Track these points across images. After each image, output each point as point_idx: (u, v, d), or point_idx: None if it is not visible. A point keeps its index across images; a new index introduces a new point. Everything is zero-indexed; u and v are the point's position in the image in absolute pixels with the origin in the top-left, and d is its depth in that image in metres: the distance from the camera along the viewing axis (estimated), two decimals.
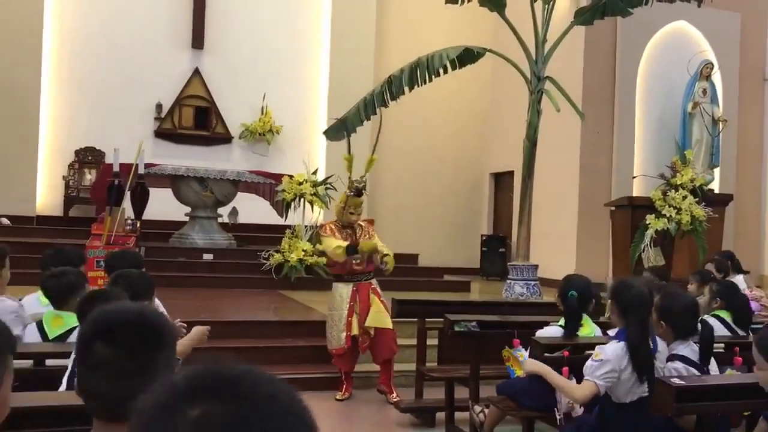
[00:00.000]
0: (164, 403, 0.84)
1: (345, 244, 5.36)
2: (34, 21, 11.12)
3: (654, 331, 3.26)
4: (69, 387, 2.56)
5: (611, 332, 3.59)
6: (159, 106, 11.84)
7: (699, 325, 3.31)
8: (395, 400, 5.29)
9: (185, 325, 3.41)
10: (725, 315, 4.33)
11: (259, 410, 0.82)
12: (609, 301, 3.37)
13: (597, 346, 3.29)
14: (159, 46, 11.81)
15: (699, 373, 3.19)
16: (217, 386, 0.83)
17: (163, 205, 9.67)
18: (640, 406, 3.13)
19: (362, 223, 5.69)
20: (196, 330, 2.80)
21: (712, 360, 3.33)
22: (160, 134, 11.83)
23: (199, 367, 0.87)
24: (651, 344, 3.19)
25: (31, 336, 3.26)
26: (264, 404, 0.82)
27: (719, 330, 4.01)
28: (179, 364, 2.62)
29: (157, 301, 3.58)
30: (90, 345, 1.41)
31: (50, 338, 3.21)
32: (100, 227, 7.48)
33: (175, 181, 9.75)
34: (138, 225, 8.10)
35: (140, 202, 8.46)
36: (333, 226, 5.56)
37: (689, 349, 3.25)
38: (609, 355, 3.12)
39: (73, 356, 2.61)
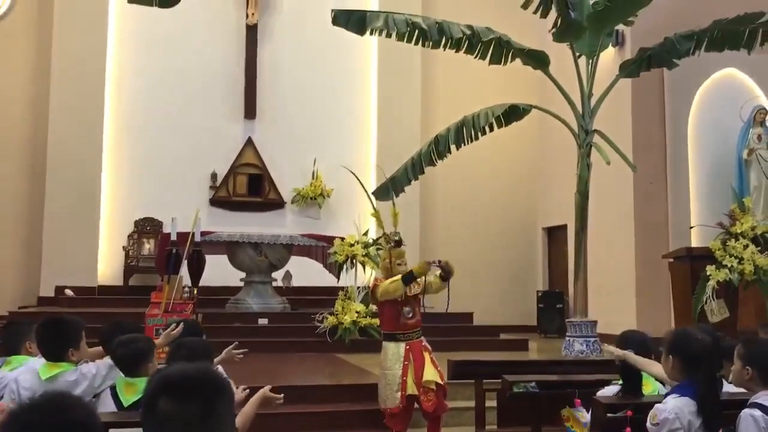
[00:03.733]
0: None
1: (399, 276, 5.38)
2: (96, 98, 11.73)
3: (739, 380, 3.15)
4: None
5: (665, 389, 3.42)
6: (214, 176, 12.21)
7: None
8: None
9: (248, 390, 3.39)
10: None
11: None
12: (666, 354, 3.17)
13: (654, 407, 3.07)
14: (213, 118, 12.27)
15: None
16: None
17: (218, 271, 9.84)
18: None
19: None
20: (263, 392, 2.83)
21: None
22: (216, 202, 12.16)
23: None
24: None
25: (106, 404, 3.31)
26: None
27: None
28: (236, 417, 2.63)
29: (219, 368, 3.60)
30: (154, 401, 1.51)
31: (125, 405, 3.26)
32: (158, 295, 7.64)
33: (231, 246, 9.95)
34: (195, 292, 8.24)
35: (197, 269, 8.64)
36: (383, 278, 5.62)
37: None
38: (669, 413, 2.95)
39: None
